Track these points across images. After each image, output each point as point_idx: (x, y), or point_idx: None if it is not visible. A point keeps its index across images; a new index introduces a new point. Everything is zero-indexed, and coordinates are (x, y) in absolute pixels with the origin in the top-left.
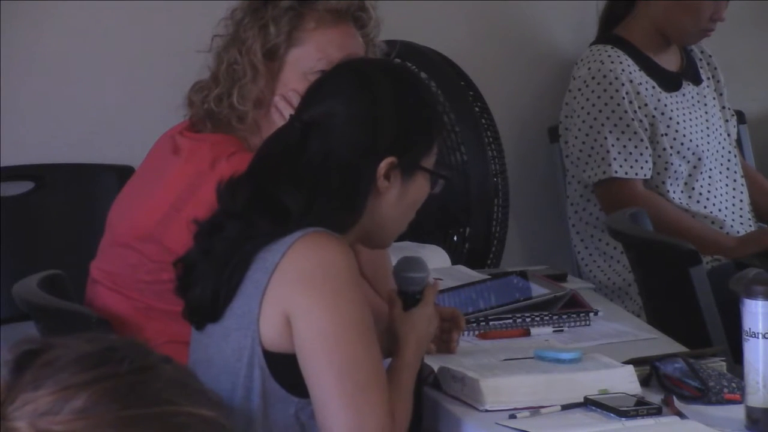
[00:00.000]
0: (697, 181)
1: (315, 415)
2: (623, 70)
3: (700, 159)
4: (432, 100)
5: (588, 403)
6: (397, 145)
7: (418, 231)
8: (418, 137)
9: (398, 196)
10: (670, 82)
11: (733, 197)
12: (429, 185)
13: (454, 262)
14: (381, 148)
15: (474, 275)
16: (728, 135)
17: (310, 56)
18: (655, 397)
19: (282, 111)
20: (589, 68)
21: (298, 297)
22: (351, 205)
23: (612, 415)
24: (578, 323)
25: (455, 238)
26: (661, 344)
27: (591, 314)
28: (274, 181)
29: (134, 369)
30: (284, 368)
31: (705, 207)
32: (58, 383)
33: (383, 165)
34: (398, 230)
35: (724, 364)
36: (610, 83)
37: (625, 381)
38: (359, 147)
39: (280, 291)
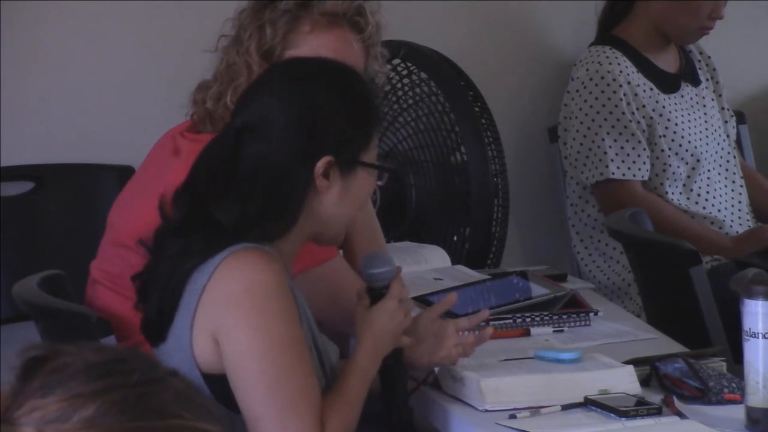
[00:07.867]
0: (695, 182)
1: None
2: (621, 72)
3: (698, 160)
4: (367, 93)
5: (588, 403)
6: (334, 143)
7: (418, 231)
8: (354, 133)
9: (340, 193)
10: (668, 83)
11: (733, 198)
12: (374, 178)
13: (454, 262)
14: (317, 148)
15: (474, 275)
16: (727, 136)
17: None
18: (655, 397)
19: None
20: (587, 69)
21: (223, 318)
22: (285, 209)
23: (612, 415)
24: (578, 323)
25: (455, 238)
26: (661, 344)
27: (591, 314)
28: (210, 192)
29: (143, 381)
30: (223, 388)
31: (704, 208)
32: (67, 391)
33: (320, 165)
34: (346, 225)
35: (724, 364)
36: (608, 84)
37: (625, 381)
38: (295, 149)
39: (208, 313)
